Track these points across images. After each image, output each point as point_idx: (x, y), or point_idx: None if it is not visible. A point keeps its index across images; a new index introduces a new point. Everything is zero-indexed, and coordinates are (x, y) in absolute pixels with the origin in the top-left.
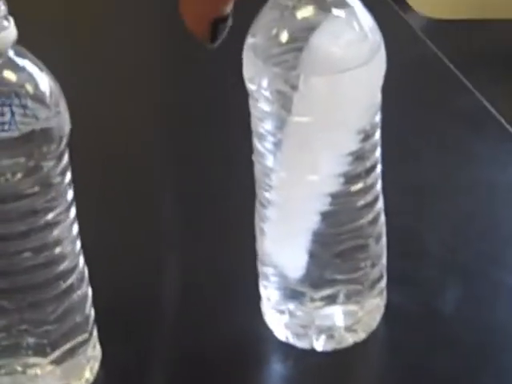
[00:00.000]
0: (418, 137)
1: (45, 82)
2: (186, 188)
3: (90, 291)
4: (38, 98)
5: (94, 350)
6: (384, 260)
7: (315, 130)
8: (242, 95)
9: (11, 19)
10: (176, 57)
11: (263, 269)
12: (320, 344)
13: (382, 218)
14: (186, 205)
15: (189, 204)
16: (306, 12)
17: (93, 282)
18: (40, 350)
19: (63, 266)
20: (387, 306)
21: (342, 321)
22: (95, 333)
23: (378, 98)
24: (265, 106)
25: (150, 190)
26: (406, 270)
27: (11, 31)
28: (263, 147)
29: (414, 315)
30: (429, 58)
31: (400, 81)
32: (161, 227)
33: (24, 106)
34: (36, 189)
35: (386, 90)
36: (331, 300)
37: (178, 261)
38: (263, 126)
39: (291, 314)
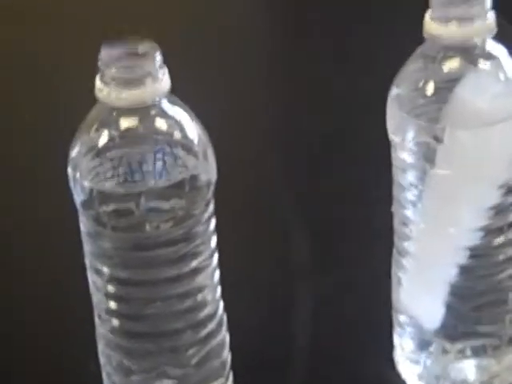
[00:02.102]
0: None
1: (194, 131)
2: (321, 228)
3: (227, 337)
4: (187, 146)
5: None
6: None
7: (457, 183)
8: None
9: (166, 69)
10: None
11: (398, 317)
12: None
13: None
14: (320, 248)
15: (323, 248)
16: (451, 64)
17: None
18: None
19: (204, 313)
20: None
21: (476, 375)
22: (231, 377)
23: None
24: (408, 158)
25: (280, 232)
26: None
27: (165, 82)
28: (404, 198)
29: None
30: None
31: None
32: (293, 271)
33: (175, 155)
34: (182, 236)
35: None
36: (467, 354)
37: (309, 307)
38: (405, 177)
39: (425, 364)
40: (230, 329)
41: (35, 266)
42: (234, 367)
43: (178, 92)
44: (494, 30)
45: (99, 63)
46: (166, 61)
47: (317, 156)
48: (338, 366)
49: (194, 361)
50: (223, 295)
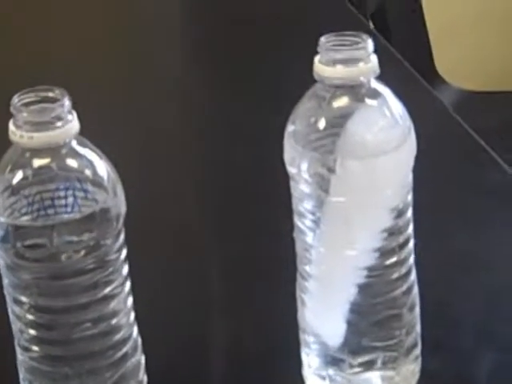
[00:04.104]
0: (451, 212)
1: (103, 168)
2: (234, 262)
3: (143, 359)
4: (97, 182)
5: None
6: (418, 328)
7: (351, 209)
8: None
9: (74, 113)
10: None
11: (305, 337)
12: None
13: (415, 289)
14: (234, 277)
15: (236, 276)
16: (341, 102)
17: (145, 349)
18: None
19: (118, 336)
20: (422, 372)
21: None
22: None
23: (409, 178)
24: (304, 188)
25: (198, 265)
26: (440, 338)
27: (74, 124)
28: (303, 224)
29: (448, 382)
30: (459, 134)
31: (431, 158)
32: (208, 296)
33: (85, 190)
34: (95, 265)
35: (418, 168)
36: (369, 366)
37: (225, 327)
38: (303, 205)
39: (331, 379)
40: (147, 351)
41: None
42: None
43: (87, 134)
44: (378, 71)
45: (12, 109)
46: (75, 105)
47: (228, 189)
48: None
49: (110, 381)
50: (140, 319)
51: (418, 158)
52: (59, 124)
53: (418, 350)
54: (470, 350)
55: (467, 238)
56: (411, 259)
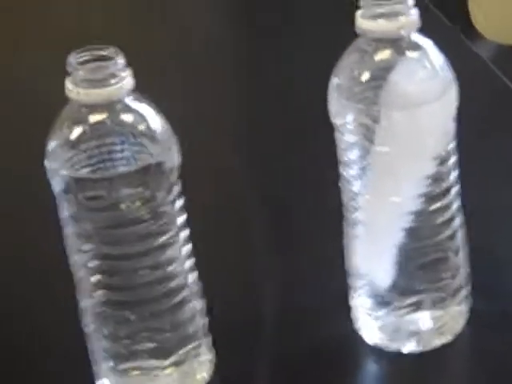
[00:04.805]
0: (494, 161)
1: (157, 122)
2: (279, 207)
3: (202, 304)
4: (151, 137)
5: (208, 355)
6: (464, 271)
7: (396, 157)
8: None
9: (129, 70)
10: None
11: (354, 282)
12: (408, 347)
13: (461, 233)
14: (280, 222)
15: (283, 222)
16: (382, 55)
17: (210, 292)
18: (159, 355)
19: (174, 283)
20: (472, 312)
21: (428, 326)
22: (208, 340)
23: (451, 128)
24: (350, 138)
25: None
26: (487, 280)
27: (128, 81)
28: (349, 174)
29: (497, 321)
30: (499, 87)
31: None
32: (261, 245)
33: (140, 145)
34: (150, 215)
35: (465, 118)
36: (417, 307)
37: (277, 275)
38: (348, 155)
39: (381, 319)
40: (213, 294)
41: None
42: (212, 331)
43: (143, 90)
44: (418, 24)
45: (69, 67)
46: (132, 63)
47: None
48: (304, 326)
49: (169, 325)
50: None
51: (460, 112)
52: (114, 81)
53: (465, 292)
54: None
55: None
56: (456, 205)
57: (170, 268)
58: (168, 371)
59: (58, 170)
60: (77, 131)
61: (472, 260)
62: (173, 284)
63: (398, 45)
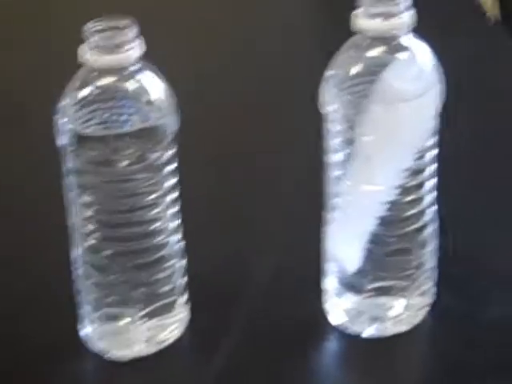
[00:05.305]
0: None
1: (161, 89)
2: (268, 179)
3: (182, 263)
4: (153, 101)
5: (182, 312)
6: (430, 264)
7: (378, 148)
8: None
9: (140, 40)
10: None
11: (326, 264)
12: (368, 331)
13: (430, 228)
14: (269, 195)
15: (272, 194)
16: (375, 52)
17: (191, 253)
18: (135, 306)
19: (157, 240)
20: (434, 305)
21: (390, 313)
22: (184, 298)
23: (431, 125)
24: (335, 126)
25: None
26: (456, 275)
27: (137, 50)
28: (332, 161)
29: (459, 316)
30: None
31: None
32: (250, 217)
33: (142, 108)
34: (140, 174)
35: None
36: (381, 292)
37: (261, 249)
38: (334, 142)
39: (346, 302)
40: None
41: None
42: (191, 289)
43: (154, 59)
44: (413, 25)
45: (84, 33)
46: (145, 33)
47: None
48: (278, 301)
49: (150, 279)
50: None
51: None
52: (123, 48)
53: (428, 285)
54: (484, 290)
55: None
56: (428, 199)
57: (154, 226)
58: (141, 322)
59: (66, 124)
60: (85, 92)
61: (442, 255)
62: (154, 241)
63: (392, 44)
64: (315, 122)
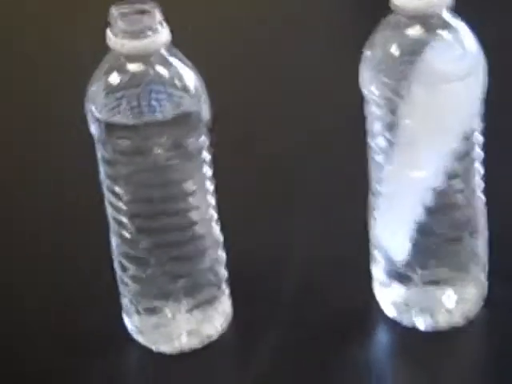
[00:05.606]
0: None
1: (190, 75)
2: (316, 175)
3: (223, 255)
4: (182, 88)
5: (225, 306)
6: (482, 254)
7: (421, 132)
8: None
9: (165, 24)
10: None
11: (374, 251)
12: (421, 323)
13: (480, 216)
14: (316, 192)
15: (317, 193)
16: (413, 31)
17: (229, 247)
18: (176, 299)
19: (198, 230)
20: (488, 298)
21: (442, 303)
22: (227, 291)
23: (476, 107)
24: (375, 110)
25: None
26: (507, 266)
27: (163, 35)
28: (375, 145)
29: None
30: None
31: None
32: (290, 208)
33: (171, 95)
34: (176, 162)
35: None
36: (432, 283)
37: (304, 238)
38: (374, 126)
39: (395, 293)
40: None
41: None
42: (232, 284)
43: (180, 45)
44: (451, 2)
45: (109, 18)
46: (170, 18)
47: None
48: (326, 291)
49: (190, 271)
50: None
51: None
52: (150, 33)
53: (481, 276)
54: None
55: None
56: (477, 184)
57: (194, 215)
58: (185, 316)
59: (94, 113)
60: (113, 78)
61: (493, 246)
62: (193, 232)
63: (429, 22)
64: (356, 104)
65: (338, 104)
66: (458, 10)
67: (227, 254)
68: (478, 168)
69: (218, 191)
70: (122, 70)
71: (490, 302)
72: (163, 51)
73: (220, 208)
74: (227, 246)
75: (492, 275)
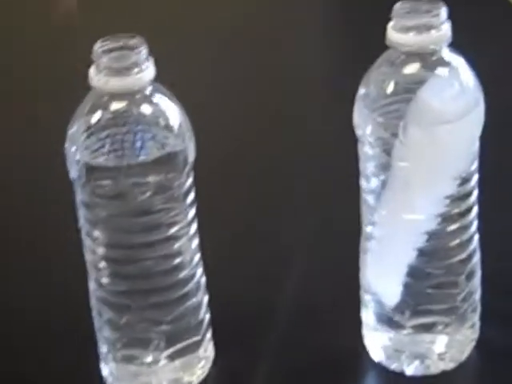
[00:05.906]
0: None
1: (174, 114)
2: (304, 217)
3: (205, 298)
4: (167, 128)
5: (207, 351)
6: (476, 296)
7: (416, 174)
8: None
9: (151, 60)
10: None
11: (364, 295)
12: (411, 369)
13: (476, 258)
14: (302, 234)
15: (304, 233)
16: (410, 68)
17: (212, 288)
18: (157, 347)
19: (182, 275)
20: (479, 340)
21: (433, 349)
22: (209, 335)
23: (474, 148)
24: (369, 150)
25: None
26: (502, 308)
27: (149, 72)
28: (368, 186)
29: (505, 351)
30: None
31: None
32: (279, 246)
33: (155, 135)
34: (162, 206)
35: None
36: (423, 329)
37: (291, 278)
38: (368, 167)
39: (385, 338)
40: (214, 290)
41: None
42: (214, 325)
43: (163, 81)
44: (450, 39)
45: (93, 55)
46: (154, 53)
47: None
48: (313, 334)
49: (170, 317)
50: (206, 261)
51: None
52: (135, 70)
53: (474, 318)
54: None
55: None
56: (473, 227)
57: (178, 260)
58: (164, 363)
59: (74, 154)
60: (95, 118)
61: (484, 285)
62: (179, 276)
63: (428, 59)
64: (348, 138)
65: (338, 104)
66: (455, 42)
67: (210, 295)
68: (475, 209)
69: (200, 227)
70: (103, 108)
71: (480, 346)
72: (148, 88)
73: (203, 246)
74: (210, 286)
75: (483, 316)
